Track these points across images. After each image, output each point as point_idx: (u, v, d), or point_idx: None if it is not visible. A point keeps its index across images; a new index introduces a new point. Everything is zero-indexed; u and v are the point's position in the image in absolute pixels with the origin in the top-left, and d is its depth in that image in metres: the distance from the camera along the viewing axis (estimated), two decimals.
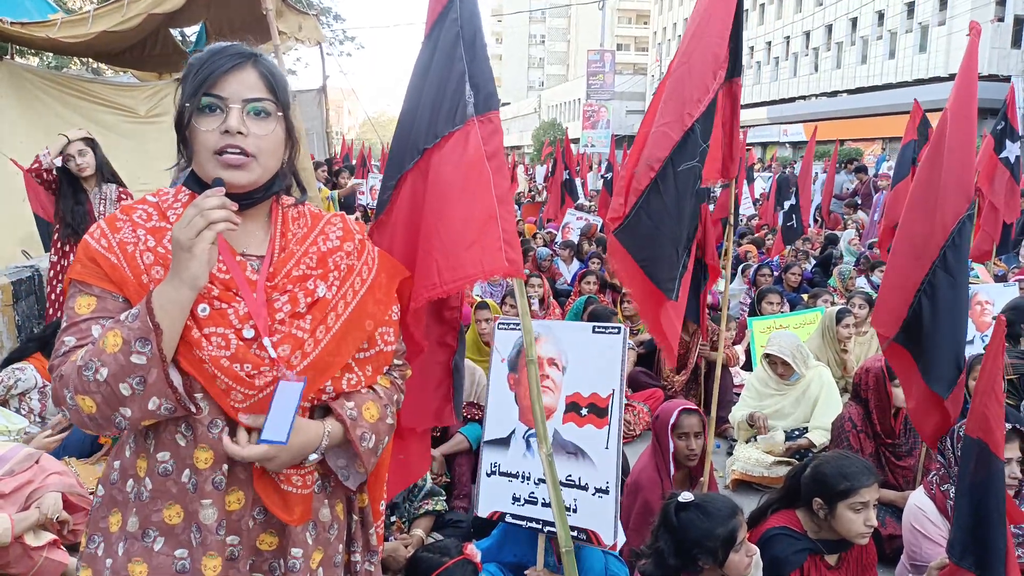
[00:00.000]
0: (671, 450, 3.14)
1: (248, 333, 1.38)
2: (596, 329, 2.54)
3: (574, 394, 2.55)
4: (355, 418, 1.48)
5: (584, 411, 2.52)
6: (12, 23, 6.61)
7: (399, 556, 3.00)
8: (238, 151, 1.38)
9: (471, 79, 1.86)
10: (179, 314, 1.31)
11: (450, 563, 2.84)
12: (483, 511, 2.71)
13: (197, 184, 1.44)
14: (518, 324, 2.55)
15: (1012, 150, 6.46)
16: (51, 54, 11.47)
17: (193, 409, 1.37)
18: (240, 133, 1.38)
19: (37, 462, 2.99)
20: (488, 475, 2.69)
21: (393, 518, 3.20)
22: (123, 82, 8.92)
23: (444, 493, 3.48)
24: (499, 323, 2.77)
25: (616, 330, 2.53)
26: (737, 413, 4.68)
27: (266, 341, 1.38)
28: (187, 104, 1.39)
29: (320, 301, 1.46)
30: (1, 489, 2.78)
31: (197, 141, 1.40)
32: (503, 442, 2.66)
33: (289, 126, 1.48)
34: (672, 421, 3.14)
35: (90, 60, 9.94)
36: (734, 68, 3.16)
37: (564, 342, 2.58)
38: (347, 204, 9.15)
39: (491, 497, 2.68)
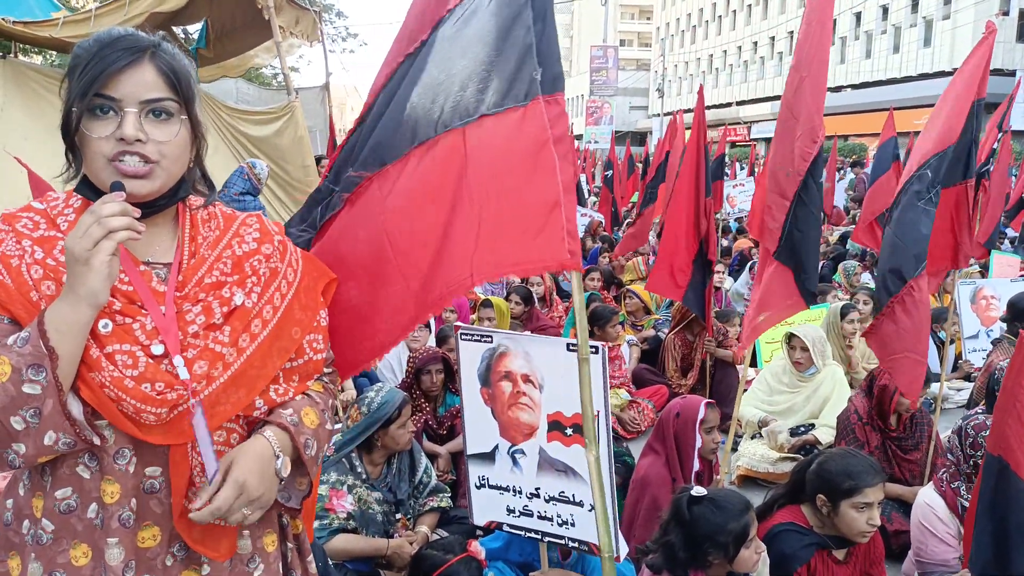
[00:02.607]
0: (698, 445, 3.14)
1: (157, 349, 1.24)
2: (570, 347, 2.30)
3: (556, 412, 2.41)
4: (297, 424, 1.36)
5: (569, 431, 2.40)
6: (15, 22, 6.63)
7: (404, 553, 3.00)
8: (137, 158, 1.22)
9: (539, 55, 1.65)
10: (77, 336, 1.16)
11: (454, 560, 2.84)
12: (479, 520, 2.66)
13: (90, 190, 1.28)
14: (482, 335, 2.46)
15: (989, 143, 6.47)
16: (55, 52, 11.48)
17: (96, 440, 1.22)
18: (139, 140, 1.22)
19: None
20: (477, 487, 2.63)
21: (398, 515, 3.20)
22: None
23: (449, 490, 3.48)
24: (461, 333, 2.54)
25: (594, 349, 2.26)
26: (747, 410, 4.67)
27: (177, 360, 1.24)
28: (75, 107, 1.22)
29: (238, 310, 1.32)
30: None
31: (88, 148, 1.23)
32: (487, 456, 2.56)
33: (195, 123, 1.31)
34: (701, 416, 3.15)
35: None
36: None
37: (536, 359, 2.40)
38: None
39: (484, 508, 2.64)
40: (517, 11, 1.67)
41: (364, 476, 3.08)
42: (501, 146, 1.65)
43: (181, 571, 1.33)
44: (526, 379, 2.42)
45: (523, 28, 1.66)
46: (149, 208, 1.28)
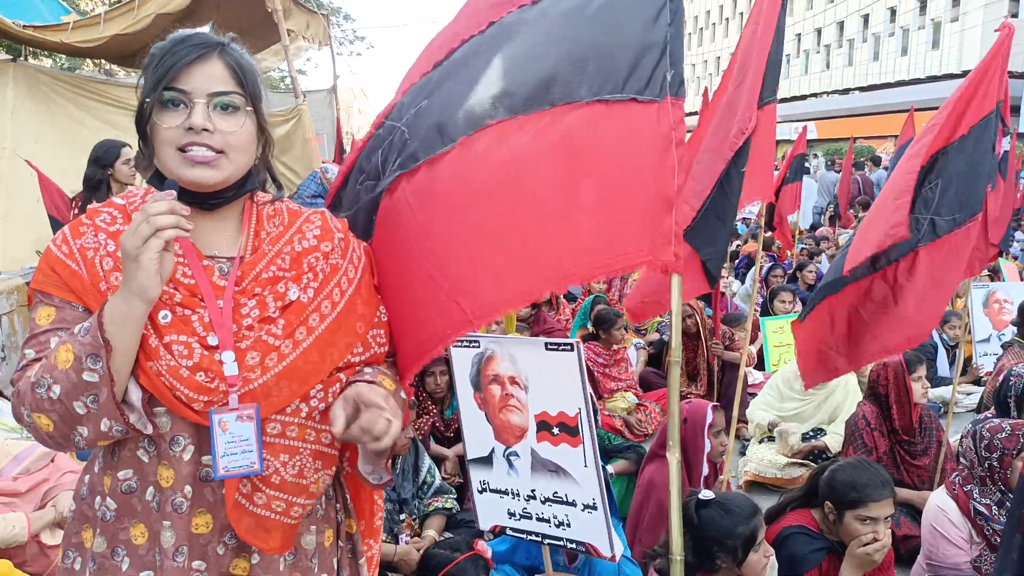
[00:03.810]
0: (706, 450, 3.13)
1: (214, 340, 1.29)
2: (548, 346, 2.37)
3: (542, 412, 2.42)
4: (377, 381, 1.39)
5: (555, 430, 2.41)
6: (25, 26, 6.66)
7: (411, 560, 3.02)
8: (205, 147, 1.27)
9: (671, 56, 1.55)
10: (131, 328, 1.22)
11: (460, 558, 2.86)
12: (484, 525, 2.67)
13: (160, 181, 1.33)
14: (470, 340, 2.46)
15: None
16: (64, 56, 11.55)
17: (149, 430, 1.28)
18: (206, 130, 1.27)
19: (52, 460, 3.01)
20: (480, 492, 2.64)
21: (403, 516, 3.20)
22: (135, 83, 8.94)
23: (454, 491, 3.48)
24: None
25: (569, 347, 2.35)
26: (757, 414, 4.65)
27: (227, 355, 1.28)
28: (147, 99, 1.28)
29: (294, 304, 1.35)
30: (17, 488, 2.80)
31: (159, 138, 1.29)
32: (486, 460, 2.58)
33: (260, 119, 1.36)
34: (709, 420, 3.14)
35: (102, 61, 10.00)
36: (772, 92, 3.32)
37: (519, 360, 2.43)
38: None
39: (488, 512, 2.64)
40: (645, 6, 1.57)
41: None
42: (618, 135, 1.51)
43: (232, 559, 1.36)
44: (512, 381, 2.43)
45: (647, 23, 1.55)
46: (216, 199, 1.34)
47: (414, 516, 3.25)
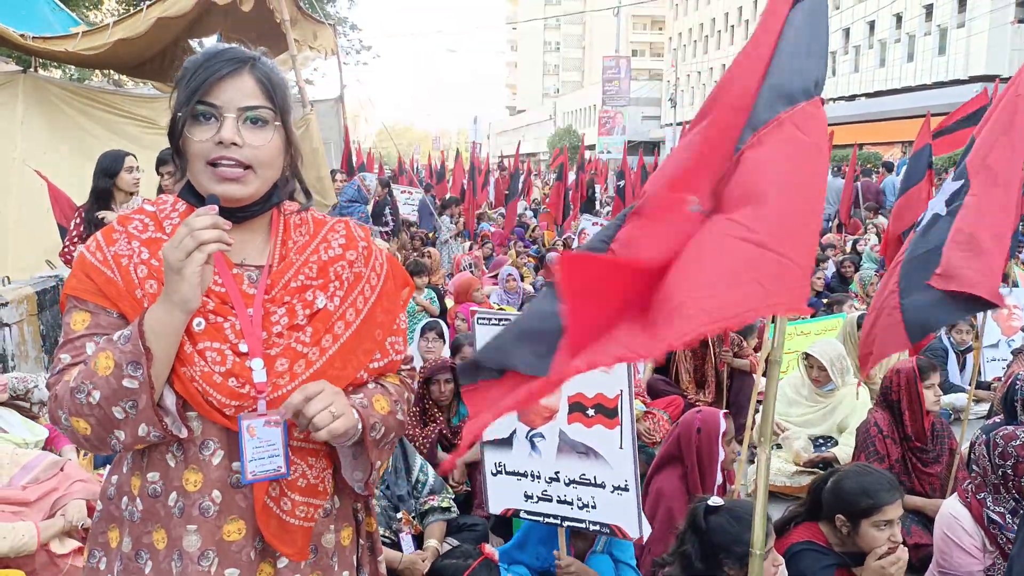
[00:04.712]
0: (720, 458, 3.11)
1: (244, 347, 1.33)
2: None
3: (577, 394, 2.43)
4: (366, 407, 1.40)
5: (591, 411, 2.42)
6: (35, 37, 6.73)
7: (416, 570, 3.01)
8: (233, 163, 1.31)
9: (822, 58, 1.51)
10: (171, 337, 1.26)
11: (475, 564, 2.86)
12: (495, 508, 2.66)
13: (192, 195, 1.38)
14: (500, 318, 2.47)
15: None
16: (73, 66, 11.65)
17: (183, 434, 1.31)
18: (235, 144, 1.30)
19: (62, 470, 3.01)
20: (494, 474, 2.62)
21: (399, 514, 3.20)
22: (144, 93, 9.03)
23: (450, 490, 3.47)
24: (478, 318, 2.54)
25: None
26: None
27: (256, 363, 1.32)
28: (180, 112, 1.32)
29: (321, 312, 1.39)
30: (26, 497, 2.81)
31: (190, 151, 1.32)
32: (505, 442, 2.57)
33: (288, 132, 1.40)
34: (723, 429, 3.12)
35: (111, 72, 10.09)
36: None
37: None
38: (377, 213, 9.13)
39: (501, 495, 2.63)
40: (817, 9, 1.52)
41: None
42: (791, 142, 1.40)
43: (259, 563, 1.39)
44: None
45: (818, 30, 1.52)
46: (244, 213, 1.38)
47: (412, 513, 3.25)
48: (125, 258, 1.35)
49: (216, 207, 1.26)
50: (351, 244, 1.48)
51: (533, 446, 2.53)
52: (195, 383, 1.29)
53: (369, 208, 7.84)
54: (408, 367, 1.62)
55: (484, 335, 2.52)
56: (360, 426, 1.37)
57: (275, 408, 1.33)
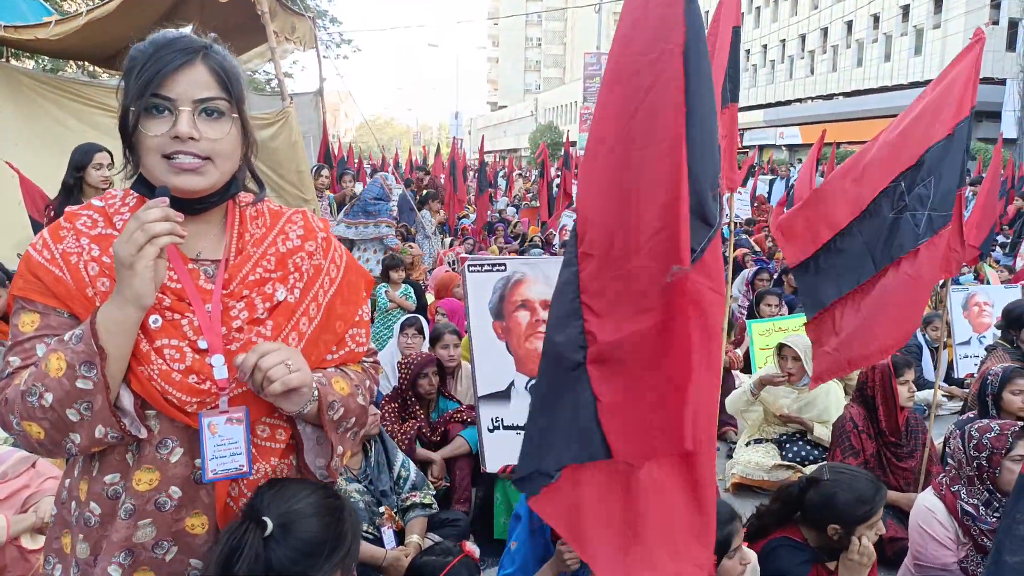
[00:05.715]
0: None
1: (204, 344, 1.29)
2: None
3: None
4: (324, 384, 1.37)
5: None
6: (6, 27, 6.59)
7: (400, 567, 3.00)
8: (191, 155, 1.27)
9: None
10: (125, 335, 1.22)
11: (455, 561, 2.86)
12: (492, 466, 2.58)
13: (146, 188, 1.32)
14: (493, 264, 2.39)
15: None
16: (47, 57, 11.44)
17: (143, 434, 1.27)
18: (192, 139, 1.26)
19: (33, 466, 2.96)
20: (491, 431, 2.54)
21: (382, 508, 3.19)
22: (118, 85, 8.88)
23: (431, 487, 3.46)
24: (468, 265, 2.43)
25: None
26: (746, 382, 4.69)
27: (217, 359, 1.28)
28: (132, 107, 1.26)
29: (281, 305, 1.36)
30: None
31: (144, 146, 1.27)
32: (502, 395, 2.49)
33: (244, 122, 1.36)
34: None
35: (86, 63, 9.93)
36: (733, 94, 3.32)
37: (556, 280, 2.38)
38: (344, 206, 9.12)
39: (498, 452, 2.54)
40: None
41: (342, 470, 3.09)
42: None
43: None
44: (546, 305, 2.33)
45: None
46: (201, 205, 1.33)
47: (394, 508, 3.24)
48: (74, 256, 1.29)
49: (167, 199, 1.21)
50: (310, 235, 1.45)
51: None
52: (154, 382, 1.25)
53: (393, 206, 8.02)
54: (372, 359, 1.58)
55: (475, 282, 2.43)
56: (316, 394, 1.34)
57: (237, 406, 1.30)
